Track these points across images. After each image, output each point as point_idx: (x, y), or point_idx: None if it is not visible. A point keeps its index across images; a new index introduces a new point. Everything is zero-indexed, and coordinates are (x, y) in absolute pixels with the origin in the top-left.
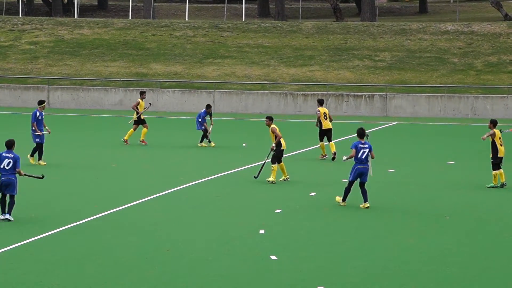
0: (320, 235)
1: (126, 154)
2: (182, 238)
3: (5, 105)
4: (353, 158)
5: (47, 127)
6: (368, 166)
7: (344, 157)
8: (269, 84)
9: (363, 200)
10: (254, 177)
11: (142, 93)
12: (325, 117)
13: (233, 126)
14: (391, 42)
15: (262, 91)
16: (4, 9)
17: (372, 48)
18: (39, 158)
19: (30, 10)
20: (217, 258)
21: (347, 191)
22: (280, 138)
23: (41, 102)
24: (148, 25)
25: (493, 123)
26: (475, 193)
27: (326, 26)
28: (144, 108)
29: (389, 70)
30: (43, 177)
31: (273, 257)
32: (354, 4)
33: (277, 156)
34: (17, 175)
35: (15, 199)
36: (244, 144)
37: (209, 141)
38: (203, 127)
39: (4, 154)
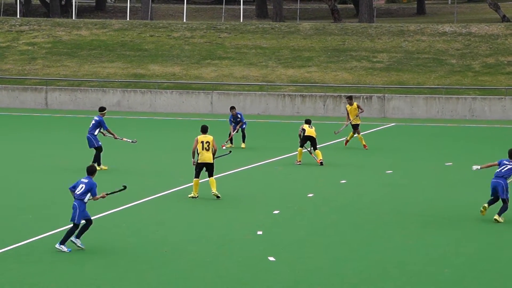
0: (318, 236)
1: (125, 155)
2: (181, 239)
3: (3, 106)
4: (489, 167)
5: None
6: (500, 181)
7: (477, 166)
8: (267, 85)
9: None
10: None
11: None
12: (310, 127)
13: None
14: (389, 43)
15: (260, 92)
16: (2, 10)
17: (370, 49)
18: (99, 163)
19: (28, 11)
20: (215, 259)
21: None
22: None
23: (102, 109)
24: (146, 26)
25: None
26: (473, 194)
27: (324, 27)
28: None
29: (387, 71)
30: (125, 188)
31: (271, 258)
32: (352, 5)
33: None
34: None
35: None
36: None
37: (231, 141)
38: (235, 130)
39: (81, 180)
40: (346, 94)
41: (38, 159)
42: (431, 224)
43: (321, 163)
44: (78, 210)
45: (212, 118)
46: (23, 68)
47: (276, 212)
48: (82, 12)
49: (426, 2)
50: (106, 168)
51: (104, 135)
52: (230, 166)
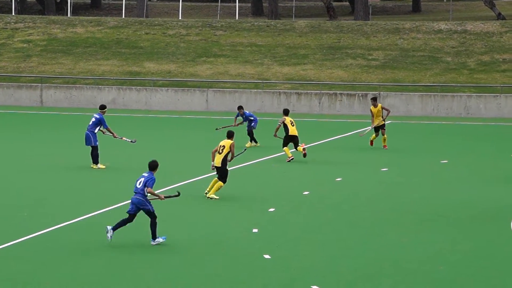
0: (314, 233)
1: (120, 153)
2: (176, 237)
3: None
4: None
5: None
6: None
7: None
8: (263, 83)
9: None
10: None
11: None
12: (292, 124)
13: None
14: (384, 41)
15: (255, 90)
16: None
17: (366, 47)
18: (97, 162)
19: (23, 9)
20: (211, 257)
21: None
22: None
23: (103, 107)
24: (141, 23)
25: None
26: (469, 192)
27: (320, 25)
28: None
29: (383, 69)
30: (179, 194)
31: (267, 256)
32: (347, 3)
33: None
34: (149, 195)
35: (155, 220)
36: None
37: (254, 141)
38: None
39: (143, 174)
40: (341, 92)
41: (34, 157)
42: (426, 221)
43: (305, 155)
44: (137, 205)
45: (207, 115)
46: (18, 65)
47: (271, 209)
48: (77, 9)
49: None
50: (104, 167)
51: (103, 133)
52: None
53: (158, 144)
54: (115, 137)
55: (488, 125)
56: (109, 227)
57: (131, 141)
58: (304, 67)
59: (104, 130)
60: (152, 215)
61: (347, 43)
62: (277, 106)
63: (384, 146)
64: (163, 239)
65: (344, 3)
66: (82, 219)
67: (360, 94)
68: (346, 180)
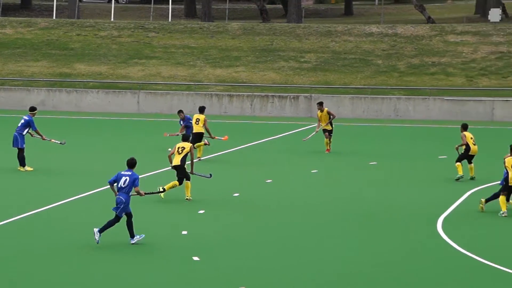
0: (243, 235)
1: (49, 155)
2: (104, 239)
3: None
4: None
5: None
6: None
7: None
8: (195, 85)
9: None
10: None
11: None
12: (197, 122)
13: (157, 127)
14: (316, 44)
15: (187, 92)
16: None
17: (298, 50)
18: (24, 164)
19: None
20: (139, 259)
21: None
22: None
23: (33, 109)
24: (72, 25)
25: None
26: (396, 193)
27: (253, 27)
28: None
29: (314, 71)
30: (164, 190)
31: (196, 258)
32: (280, 6)
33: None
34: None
35: (132, 219)
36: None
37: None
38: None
39: (122, 173)
40: (273, 94)
41: None
42: (352, 221)
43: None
44: (123, 204)
45: (138, 118)
46: None
47: (201, 211)
48: (7, 10)
49: (353, 3)
50: (31, 169)
51: (32, 135)
52: (155, 166)
53: (88, 146)
54: (43, 139)
55: (416, 127)
56: (95, 230)
57: (61, 143)
58: (237, 69)
59: (33, 132)
60: (130, 214)
61: (280, 46)
62: (209, 108)
63: (327, 150)
64: (141, 236)
65: (277, 5)
66: (10, 221)
67: (291, 97)
68: (276, 182)
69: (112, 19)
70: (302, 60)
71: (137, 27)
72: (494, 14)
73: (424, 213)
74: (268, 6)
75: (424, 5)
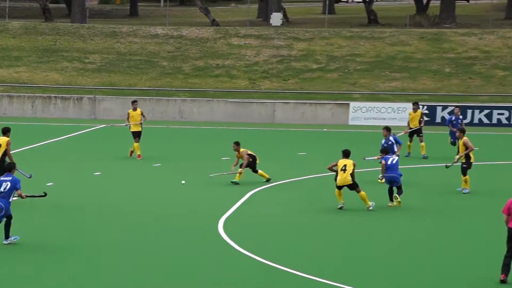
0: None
1: None
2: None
3: None
4: None
5: None
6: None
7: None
8: None
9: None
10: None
11: None
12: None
13: None
14: (101, 45)
15: None
16: None
17: (82, 50)
18: None
19: None
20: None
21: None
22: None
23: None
24: None
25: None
26: (176, 192)
27: (35, 26)
28: None
29: (99, 72)
30: (45, 195)
31: None
32: (64, 5)
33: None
34: (17, 198)
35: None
36: (183, 182)
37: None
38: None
39: (1, 178)
40: (56, 95)
41: None
42: (135, 217)
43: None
44: (4, 210)
45: None
46: None
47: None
48: None
49: (139, 4)
50: None
51: None
52: None
53: None
54: None
55: (201, 128)
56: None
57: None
58: (17, 69)
59: None
60: (10, 216)
61: (63, 46)
62: None
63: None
64: (15, 238)
65: (61, 5)
66: None
67: (75, 98)
68: (57, 185)
69: None
70: (87, 61)
71: None
72: (276, 18)
73: (205, 213)
74: (51, 5)
75: (209, 7)
